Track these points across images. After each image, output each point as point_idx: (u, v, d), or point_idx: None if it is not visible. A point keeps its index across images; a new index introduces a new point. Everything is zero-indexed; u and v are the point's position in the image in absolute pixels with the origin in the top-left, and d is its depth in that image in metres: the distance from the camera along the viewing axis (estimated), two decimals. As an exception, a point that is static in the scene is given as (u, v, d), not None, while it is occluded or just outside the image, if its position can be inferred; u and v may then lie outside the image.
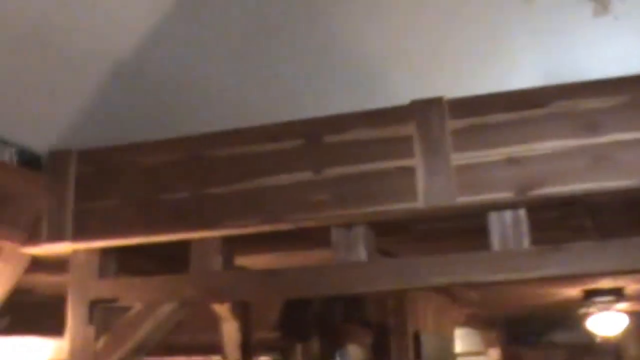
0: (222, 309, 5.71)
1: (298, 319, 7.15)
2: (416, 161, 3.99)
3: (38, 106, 4.40)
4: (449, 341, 10.91)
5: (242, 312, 5.79)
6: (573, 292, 10.16)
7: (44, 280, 5.21)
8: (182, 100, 4.86)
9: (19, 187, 4.46)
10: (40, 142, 4.59)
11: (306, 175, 4.18)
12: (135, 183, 4.51)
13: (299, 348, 7.39)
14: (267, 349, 7.05)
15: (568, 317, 12.43)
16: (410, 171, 3.99)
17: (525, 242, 3.91)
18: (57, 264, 4.76)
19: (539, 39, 4.93)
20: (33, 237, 4.52)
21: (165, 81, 4.71)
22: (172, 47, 4.58)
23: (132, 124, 4.75)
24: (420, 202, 3.95)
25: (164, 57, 4.60)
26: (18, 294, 4.87)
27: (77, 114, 4.57)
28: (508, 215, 3.95)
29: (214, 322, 6.04)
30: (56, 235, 4.50)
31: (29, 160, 4.57)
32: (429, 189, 3.95)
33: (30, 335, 4.73)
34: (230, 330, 5.76)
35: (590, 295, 10.42)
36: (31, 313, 5.25)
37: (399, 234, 4.89)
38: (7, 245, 4.48)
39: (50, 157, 4.65)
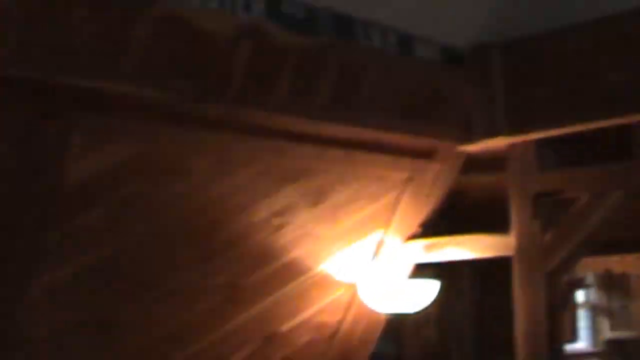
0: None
1: None
2: None
3: (456, 1, 4.26)
4: None
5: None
6: None
7: (475, 181, 5.16)
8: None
9: (447, 85, 4.37)
10: (462, 37, 4.46)
11: None
12: (564, 70, 4.24)
13: None
14: None
15: None
16: None
17: None
18: (488, 163, 4.67)
19: None
20: (465, 135, 4.44)
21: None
22: None
23: (551, 9, 4.47)
24: None
25: None
26: (453, 196, 4.87)
27: (496, 5, 4.37)
28: None
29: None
30: (490, 131, 4.39)
31: (452, 57, 4.47)
32: None
33: (470, 235, 4.69)
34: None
35: None
36: (466, 214, 5.25)
37: None
38: (443, 145, 4.44)
39: (473, 52, 4.51)
